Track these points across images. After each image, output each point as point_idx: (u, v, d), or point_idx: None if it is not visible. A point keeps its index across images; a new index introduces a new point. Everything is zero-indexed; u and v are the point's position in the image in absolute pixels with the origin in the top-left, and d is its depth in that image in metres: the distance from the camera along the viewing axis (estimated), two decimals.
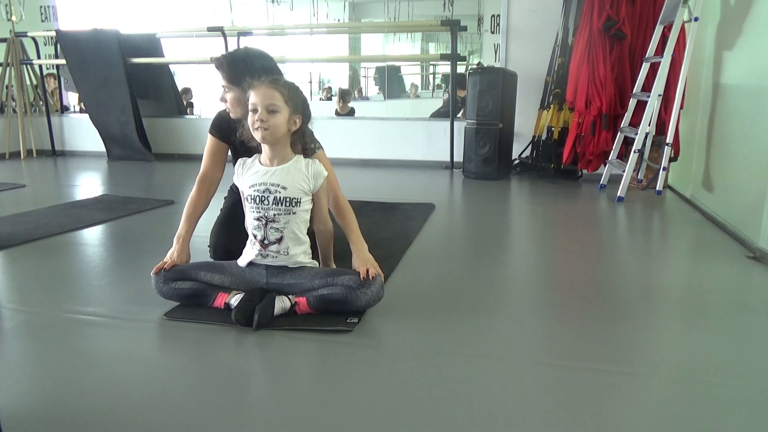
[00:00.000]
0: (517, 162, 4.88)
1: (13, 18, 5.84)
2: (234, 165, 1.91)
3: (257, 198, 1.78)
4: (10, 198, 3.81)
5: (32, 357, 1.58)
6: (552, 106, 4.62)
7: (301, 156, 1.84)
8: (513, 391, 1.38)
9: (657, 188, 3.82)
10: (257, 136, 1.75)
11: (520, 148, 4.87)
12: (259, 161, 1.84)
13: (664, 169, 3.72)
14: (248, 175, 1.83)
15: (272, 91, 1.73)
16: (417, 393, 1.36)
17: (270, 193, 1.78)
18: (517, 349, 1.61)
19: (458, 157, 4.93)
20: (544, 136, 4.70)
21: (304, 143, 1.88)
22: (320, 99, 8.76)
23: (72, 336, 1.70)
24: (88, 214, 3.26)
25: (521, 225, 3.33)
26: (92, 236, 2.85)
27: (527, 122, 4.83)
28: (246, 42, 5.22)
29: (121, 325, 1.76)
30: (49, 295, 2.03)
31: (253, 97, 1.74)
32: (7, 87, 5.94)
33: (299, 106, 1.79)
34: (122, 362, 1.53)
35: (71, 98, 7.17)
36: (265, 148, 1.81)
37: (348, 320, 1.72)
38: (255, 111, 1.73)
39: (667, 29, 3.74)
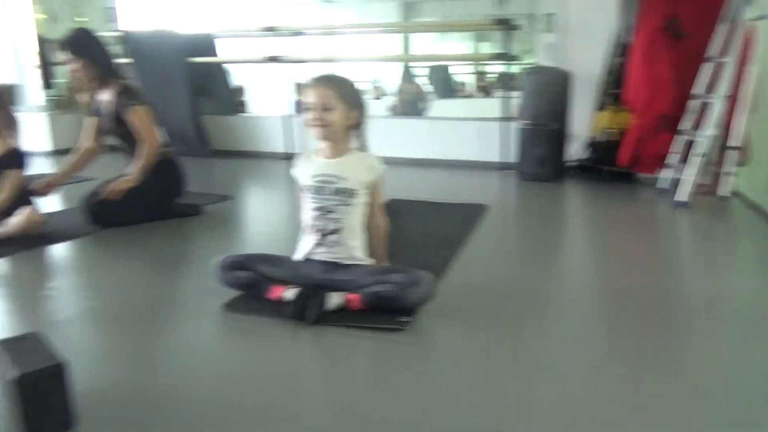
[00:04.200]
0: (572, 164, 4.77)
1: (82, 19, 6.11)
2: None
3: (317, 188, 1.84)
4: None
5: (107, 343, 1.68)
6: (609, 107, 4.50)
7: (358, 150, 1.90)
8: (567, 398, 1.36)
9: (722, 194, 3.66)
10: (314, 134, 1.80)
11: (575, 149, 4.76)
12: (320, 155, 1.89)
13: (730, 173, 3.57)
14: (309, 167, 1.89)
15: (326, 89, 1.78)
16: (467, 395, 1.36)
17: (330, 183, 1.83)
18: (572, 356, 1.58)
19: (512, 158, 4.87)
20: (600, 138, 4.57)
21: (361, 138, 1.93)
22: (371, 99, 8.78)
23: (142, 323, 1.79)
24: None
25: (577, 229, 3.26)
26: (157, 228, 2.95)
27: (583, 123, 4.72)
28: (299, 40, 5.40)
29: (183, 316, 1.84)
30: (122, 284, 2.14)
31: (307, 96, 1.78)
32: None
33: (355, 101, 1.83)
34: (186, 349, 1.61)
35: None
36: (324, 143, 1.86)
37: (400, 319, 1.73)
38: (310, 110, 1.77)
39: (732, 28, 3.58)
